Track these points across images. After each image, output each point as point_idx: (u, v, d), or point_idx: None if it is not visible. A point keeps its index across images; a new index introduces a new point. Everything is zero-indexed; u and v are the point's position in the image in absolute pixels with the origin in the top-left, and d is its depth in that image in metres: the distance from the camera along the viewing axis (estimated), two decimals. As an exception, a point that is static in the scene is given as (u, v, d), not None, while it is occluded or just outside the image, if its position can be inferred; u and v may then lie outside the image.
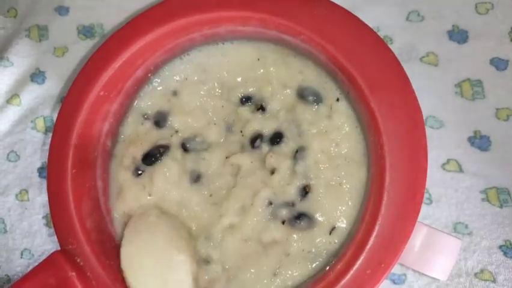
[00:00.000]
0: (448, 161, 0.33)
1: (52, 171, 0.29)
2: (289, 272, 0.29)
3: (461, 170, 0.33)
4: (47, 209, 0.37)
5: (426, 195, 0.33)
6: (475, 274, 0.32)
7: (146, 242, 0.29)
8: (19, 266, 0.37)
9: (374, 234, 0.26)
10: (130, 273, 0.28)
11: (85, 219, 0.29)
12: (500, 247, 0.32)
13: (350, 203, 0.29)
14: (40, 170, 0.38)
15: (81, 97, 0.29)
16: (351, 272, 0.26)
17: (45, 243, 0.37)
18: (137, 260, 0.29)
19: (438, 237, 0.27)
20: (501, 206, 0.32)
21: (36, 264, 0.28)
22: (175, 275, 0.29)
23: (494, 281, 0.32)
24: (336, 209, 0.29)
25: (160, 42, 0.30)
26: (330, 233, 0.29)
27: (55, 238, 0.36)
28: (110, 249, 0.29)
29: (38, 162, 0.38)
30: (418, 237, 0.27)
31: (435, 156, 0.33)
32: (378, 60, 0.27)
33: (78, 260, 0.28)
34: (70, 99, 0.29)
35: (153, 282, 0.28)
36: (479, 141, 0.33)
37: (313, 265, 0.29)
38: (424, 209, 0.33)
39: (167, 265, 0.28)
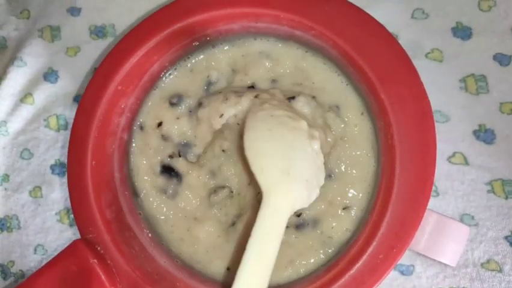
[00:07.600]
0: (454, 154, 0.34)
1: (73, 162, 0.29)
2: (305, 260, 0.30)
3: (466, 163, 0.34)
4: (60, 205, 0.38)
5: (433, 188, 0.34)
6: (482, 264, 0.33)
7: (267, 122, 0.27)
8: (33, 261, 0.37)
9: (386, 220, 0.26)
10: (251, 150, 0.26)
11: (105, 209, 0.29)
12: (506, 238, 0.33)
13: (360, 193, 0.30)
14: (53, 167, 0.38)
15: (100, 91, 0.30)
16: (365, 256, 0.26)
17: (58, 239, 0.37)
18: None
19: (447, 223, 0.28)
20: (506, 198, 0.33)
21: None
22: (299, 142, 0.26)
23: (500, 270, 0.32)
24: (348, 197, 0.30)
25: (175, 39, 0.30)
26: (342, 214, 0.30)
27: (68, 234, 0.37)
28: (129, 238, 0.30)
29: (51, 160, 0.38)
30: (428, 223, 0.28)
31: (441, 149, 0.33)
32: (388, 53, 0.27)
33: (98, 248, 0.28)
34: (89, 94, 0.30)
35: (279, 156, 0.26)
36: (484, 135, 0.34)
37: (329, 251, 0.30)
38: (431, 201, 0.33)
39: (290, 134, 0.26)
